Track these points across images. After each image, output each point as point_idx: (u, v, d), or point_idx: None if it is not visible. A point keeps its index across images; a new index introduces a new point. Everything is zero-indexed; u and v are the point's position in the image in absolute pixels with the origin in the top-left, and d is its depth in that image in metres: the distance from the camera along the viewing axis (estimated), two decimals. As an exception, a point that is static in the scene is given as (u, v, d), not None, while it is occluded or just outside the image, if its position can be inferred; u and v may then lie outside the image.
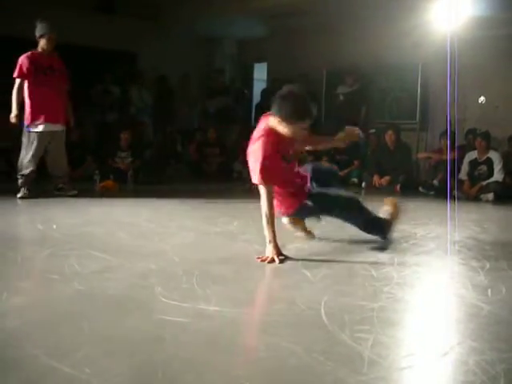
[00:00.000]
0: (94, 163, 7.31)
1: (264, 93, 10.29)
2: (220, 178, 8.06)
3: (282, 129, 3.11)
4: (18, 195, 5.52)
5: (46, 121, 5.57)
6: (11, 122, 5.52)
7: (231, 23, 9.58)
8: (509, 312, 2.25)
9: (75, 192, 5.75)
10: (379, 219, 3.49)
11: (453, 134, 7.25)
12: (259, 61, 11.24)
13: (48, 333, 1.89)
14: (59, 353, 1.70)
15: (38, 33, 5.59)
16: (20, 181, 5.60)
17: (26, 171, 5.59)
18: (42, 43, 5.61)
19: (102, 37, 7.55)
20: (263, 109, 9.91)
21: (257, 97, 10.86)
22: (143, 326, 1.98)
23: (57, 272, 2.69)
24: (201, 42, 10.51)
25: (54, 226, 3.92)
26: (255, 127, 3.36)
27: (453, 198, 6.30)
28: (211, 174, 8.33)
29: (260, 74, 11.38)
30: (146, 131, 9.11)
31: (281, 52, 9.98)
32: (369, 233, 3.54)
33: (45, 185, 5.83)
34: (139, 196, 6.02)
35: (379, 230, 3.52)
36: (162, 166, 8.14)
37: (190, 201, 5.69)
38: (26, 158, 5.60)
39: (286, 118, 3.05)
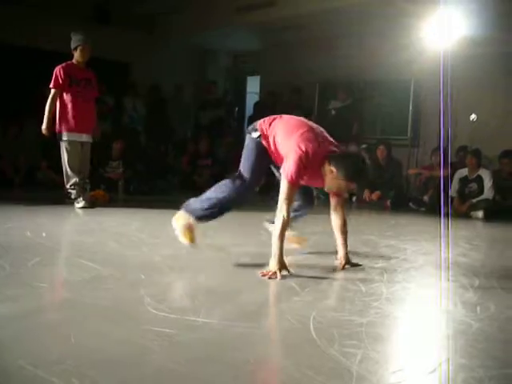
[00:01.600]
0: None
1: (256, 106, 10.33)
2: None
3: (331, 179, 3.09)
4: (78, 205, 5.56)
5: (79, 131, 5.64)
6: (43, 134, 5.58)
7: (225, 36, 9.64)
8: (497, 329, 2.26)
9: (86, 205, 5.67)
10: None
11: (445, 150, 7.32)
12: (252, 74, 11.30)
13: (35, 342, 1.87)
14: (46, 363, 1.68)
15: (72, 45, 5.68)
16: (73, 192, 5.65)
17: (73, 181, 5.64)
18: (76, 55, 5.71)
19: (96, 47, 7.54)
20: (255, 121, 9.98)
21: (249, 109, 10.90)
22: (132, 336, 1.96)
23: (45, 280, 2.67)
24: (195, 54, 10.54)
25: (44, 234, 3.90)
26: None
27: (444, 214, 6.35)
28: (203, 185, 8.31)
29: (253, 87, 11.44)
30: (139, 141, 9.10)
31: (274, 65, 10.04)
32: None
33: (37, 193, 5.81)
34: (130, 206, 6.01)
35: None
36: (153, 176, 8.12)
37: (181, 212, 5.67)
38: (68, 168, 5.65)
39: (341, 175, 3.02)
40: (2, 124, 7.86)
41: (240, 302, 2.52)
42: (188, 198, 3.45)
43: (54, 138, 5.69)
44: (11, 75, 7.93)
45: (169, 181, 8.67)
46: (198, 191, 3.45)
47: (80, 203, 5.59)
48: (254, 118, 10.05)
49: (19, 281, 2.68)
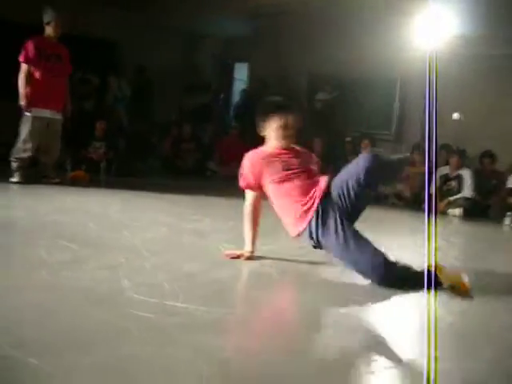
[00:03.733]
0: (67, 152, 7.20)
1: (243, 93, 10.30)
2: (194, 174, 8.04)
3: (268, 134, 3.16)
4: (13, 179, 5.48)
5: (45, 107, 5.55)
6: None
7: (215, 21, 9.57)
8: (469, 324, 2.31)
9: (58, 180, 5.72)
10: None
11: (427, 147, 7.39)
12: (241, 61, 11.24)
13: (12, 322, 1.86)
14: (23, 343, 1.67)
15: (44, 19, 5.59)
16: (14, 164, 5.55)
17: (21, 155, 5.55)
18: (48, 30, 5.61)
19: (82, 25, 7.46)
20: (241, 109, 9.98)
21: (236, 96, 10.86)
22: (109, 319, 1.96)
23: (23, 260, 2.65)
24: (183, 38, 10.45)
25: (23, 213, 3.86)
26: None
27: (423, 210, 6.42)
28: (185, 170, 8.29)
29: (241, 74, 11.39)
30: (122, 121, 9.02)
31: (263, 54, 9.99)
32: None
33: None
34: (111, 188, 5.97)
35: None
36: (135, 158, 8.07)
37: (163, 196, 5.66)
38: (22, 141, 5.55)
39: (261, 115, 3.16)
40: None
41: (219, 288, 2.53)
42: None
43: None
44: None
45: (151, 164, 8.62)
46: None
47: (15, 178, 5.50)
48: (240, 106, 10.09)
49: (-3, 259, 2.66)
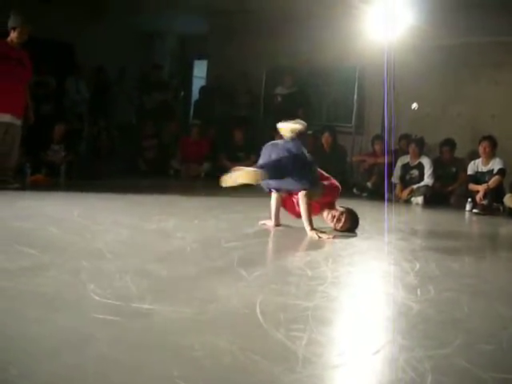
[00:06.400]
0: (25, 155, 7.04)
1: (202, 90, 10.23)
2: (157, 174, 7.96)
3: None
4: None
5: (5, 111, 5.44)
6: None
7: (173, 18, 9.48)
8: (436, 311, 2.33)
9: (17, 185, 5.59)
10: None
11: (386, 138, 7.51)
12: (200, 58, 11.18)
13: (-29, 332, 1.80)
14: (-17, 352, 1.62)
15: (10, 24, 5.53)
16: None
17: None
18: (13, 35, 5.55)
19: (38, 26, 7.28)
20: (201, 106, 9.91)
21: (196, 94, 10.79)
22: (74, 324, 1.91)
23: (-18, 268, 2.57)
24: (141, 36, 10.33)
25: (-19, 220, 3.75)
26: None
27: (386, 200, 6.51)
28: (148, 169, 8.20)
29: (200, 71, 11.33)
30: (81, 124, 8.87)
31: (222, 50, 9.96)
32: None
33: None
34: (72, 191, 5.85)
35: None
36: (96, 160, 7.94)
37: (126, 197, 5.58)
38: None
39: None
40: None
41: (186, 288, 2.50)
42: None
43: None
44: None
45: (113, 165, 8.49)
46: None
47: None
48: (199, 103, 10.03)
49: (-46, 268, 2.57)
